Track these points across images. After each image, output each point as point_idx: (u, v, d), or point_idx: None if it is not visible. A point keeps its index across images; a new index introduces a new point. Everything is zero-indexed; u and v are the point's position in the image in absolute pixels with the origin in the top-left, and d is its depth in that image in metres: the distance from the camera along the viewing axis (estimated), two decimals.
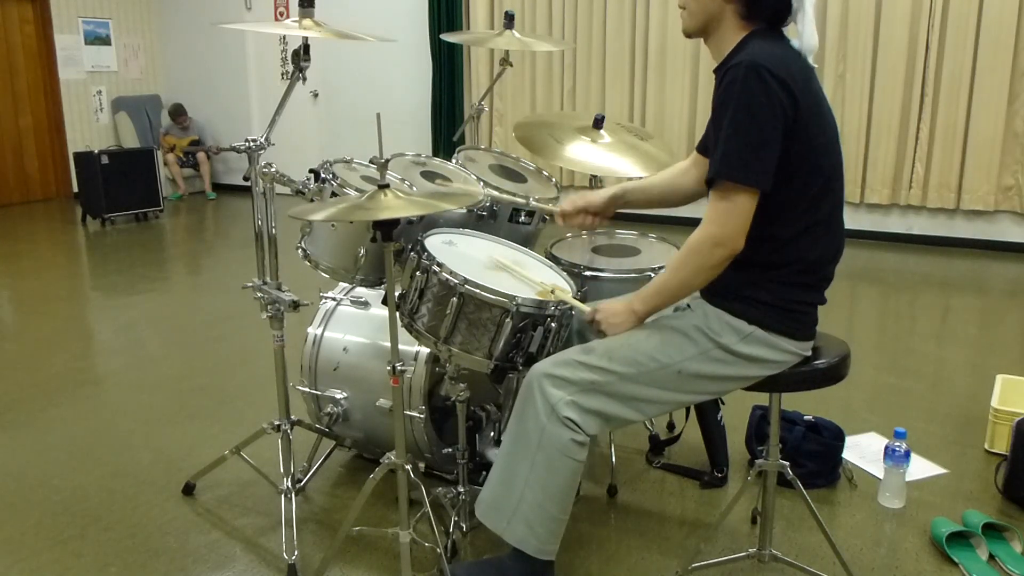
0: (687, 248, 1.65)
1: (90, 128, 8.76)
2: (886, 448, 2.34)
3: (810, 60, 1.67)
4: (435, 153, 7.64)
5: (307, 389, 2.47)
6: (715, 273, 1.65)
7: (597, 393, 1.72)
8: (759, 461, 1.89)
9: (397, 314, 1.86)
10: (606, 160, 2.51)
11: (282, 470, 2.24)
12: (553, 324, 1.91)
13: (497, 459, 1.81)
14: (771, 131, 1.56)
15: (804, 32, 1.65)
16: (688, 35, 1.76)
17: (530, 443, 1.73)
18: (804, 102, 1.58)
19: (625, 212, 2.85)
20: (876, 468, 2.53)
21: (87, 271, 5.49)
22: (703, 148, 1.96)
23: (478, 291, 1.84)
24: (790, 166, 1.60)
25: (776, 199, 1.62)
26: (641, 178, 2.15)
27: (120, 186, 7.00)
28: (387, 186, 1.66)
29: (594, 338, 1.86)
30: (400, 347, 2.00)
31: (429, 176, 2.39)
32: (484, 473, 1.91)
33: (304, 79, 2.09)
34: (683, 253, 1.66)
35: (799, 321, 1.72)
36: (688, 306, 1.80)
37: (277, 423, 2.25)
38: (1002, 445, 2.57)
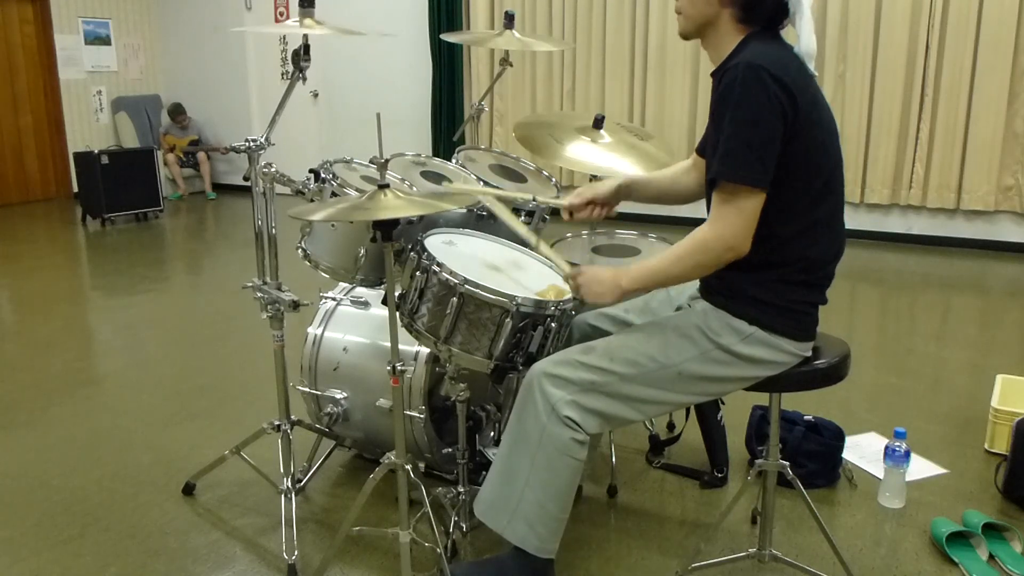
0: (692, 244, 1.64)
1: (90, 128, 8.76)
2: (886, 448, 2.34)
3: (810, 66, 1.66)
4: (435, 153, 7.64)
5: (307, 389, 2.47)
6: (713, 271, 1.66)
7: (597, 393, 1.72)
8: (759, 461, 1.89)
9: (397, 314, 1.86)
10: (606, 160, 2.51)
11: (282, 470, 2.24)
12: (553, 324, 1.91)
13: (496, 458, 1.81)
14: (771, 131, 1.56)
15: (802, 36, 1.65)
16: (685, 37, 1.78)
17: (530, 442, 1.73)
18: (802, 101, 1.58)
19: (625, 212, 2.85)
20: (876, 468, 2.53)
21: (87, 271, 5.49)
22: (702, 149, 1.96)
23: (478, 291, 1.84)
24: (790, 165, 1.60)
25: (777, 198, 1.62)
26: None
27: (120, 186, 7.00)
28: (387, 186, 1.66)
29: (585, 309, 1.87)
30: (400, 347, 2.00)
31: (429, 176, 2.39)
32: (484, 473, 1.91)
33: (304, 79, 2.10)
34: (687, 248, 1.64)
35: (800, 321, 1.72)
36: (688, 304, 1.80)
37: (277, 423, 2.25)
38: (1002, 445, 2.57)
